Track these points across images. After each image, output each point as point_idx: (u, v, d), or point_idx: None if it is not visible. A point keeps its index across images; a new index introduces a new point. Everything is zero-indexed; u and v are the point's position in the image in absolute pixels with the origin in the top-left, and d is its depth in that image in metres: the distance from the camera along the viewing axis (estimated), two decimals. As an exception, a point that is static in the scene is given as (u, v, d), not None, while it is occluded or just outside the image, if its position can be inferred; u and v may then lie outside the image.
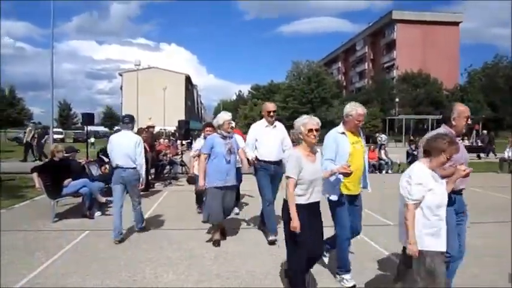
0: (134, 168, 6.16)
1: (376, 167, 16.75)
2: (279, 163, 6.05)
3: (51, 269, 4.81)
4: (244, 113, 52.35)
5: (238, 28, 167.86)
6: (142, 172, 6.33)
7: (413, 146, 17.25)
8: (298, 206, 3.65)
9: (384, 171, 16.67)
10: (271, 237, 5.89)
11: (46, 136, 20.77)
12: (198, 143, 7.68)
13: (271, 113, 6.14)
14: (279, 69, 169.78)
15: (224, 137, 5.86)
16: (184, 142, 18.13)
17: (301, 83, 59.00)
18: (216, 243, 5.78)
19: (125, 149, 6.18)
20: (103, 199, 7.81)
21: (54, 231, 6.62)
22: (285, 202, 3.75)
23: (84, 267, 4.84)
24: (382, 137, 22.00)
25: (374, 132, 41.03)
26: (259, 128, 6.27)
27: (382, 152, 17.58)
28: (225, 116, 5.91)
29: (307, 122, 3.83)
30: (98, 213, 7.69)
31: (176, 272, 4.76)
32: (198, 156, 6.61)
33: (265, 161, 6.04)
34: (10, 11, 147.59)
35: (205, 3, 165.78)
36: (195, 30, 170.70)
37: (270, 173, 6.05)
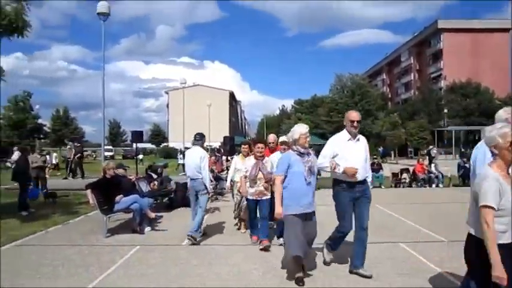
0: (201, 178, 7.08)
1: (426, 181, 16.21)
2: (363, 182, 5.19)
3: (105, 282, 4.96)
4: (288, 128, 52.23)
5: (280, 44, 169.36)
6: (207, 183, 7.17)
7: (465, 159, 16.59)
8: (501, 247, 2.79)
9: (433, 185, 16.09)
10: (363, 271, 5.07)
11: (79, 154, 21.73)
12: (238, 162, 7.76)
13: (355, 123, 5.13)
14: (322, 83, 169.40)
15: (301, 154, 4.95)
16: (229, 158, 18.28)
17: (345, 96, 58.39)
18: (300, 282, 4.80)
19: (193, 162, 7.18)
20: (152, 215, 8.00)
21: (106, 246, 6.84)
22: (476, 240, 2.92)
23: (136, 282, 4.96)
24: (434, 151, 21.36)
25: (423, 145, 39.80)
26: (339, 141, 5.23)
27: (433, 165, 17.02)
28: (300, 129, 5.02)
29: (507, 132, 2.93)
30: (147, 229, 7.88)
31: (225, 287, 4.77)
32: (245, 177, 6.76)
33: (347, 182, 5.08)
34: (65, 36, 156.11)
35: (247, 21, 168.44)
36: (237, 48, 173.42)
37: (355, 196, 5.09)
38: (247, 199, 6.81)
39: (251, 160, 6.68)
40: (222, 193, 13.52)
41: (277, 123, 77.33)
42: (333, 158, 5.08)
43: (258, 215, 6.81)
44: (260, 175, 6.49)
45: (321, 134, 62.84)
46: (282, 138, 7.16)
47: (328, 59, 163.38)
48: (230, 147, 15.24)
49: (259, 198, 6.58)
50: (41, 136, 38.73)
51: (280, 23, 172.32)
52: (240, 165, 7.35)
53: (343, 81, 60.75)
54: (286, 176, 4.92)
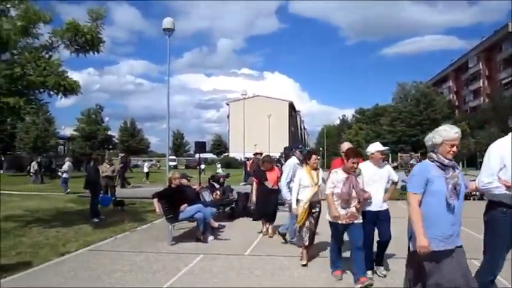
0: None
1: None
2: None
3: (171, 290, 5.11)
4: (349, 137, 51.34)
5: (339, 53, 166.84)
6: (283, 192, 7.45)
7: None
8: None
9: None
10: None
11: (122, 164, 22.60)
12: (305, 177, 6.20)
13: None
14: (383, 92, 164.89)
15: (445, 167, 3.59)
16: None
17: (409, 104, 56.61)
18: None
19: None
20: (216, 224, 8.14)
21: (172, 253, 7.04)
22: None
23: (201, 290, 5.06)
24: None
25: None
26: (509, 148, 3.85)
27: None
28: (448, 132, 3.60)
29: None
30: (211, 238, 8.02)
31: (288, 300, 4.74)
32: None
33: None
34: (132, 52, 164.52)
35: (306, 31, 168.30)
36: (296, 58, 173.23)
37: None
38: (332, 224, 5.42)
39: (339, 174, 5.36)
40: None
41: (338, 133, 76.24)
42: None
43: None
44: (353, 193, 5.22)
45: (384, 144, 61.05)
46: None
47: (389, 67, 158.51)
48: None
49: (349, 222, 5.25)
50: (110, 147, 40.82)
51: (339, 32, 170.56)
52: (308, 181, 6.13)
53: (407, 90, 58.96)
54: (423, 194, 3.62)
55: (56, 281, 5.44)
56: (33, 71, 8.19)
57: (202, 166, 25.49)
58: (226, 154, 65.86)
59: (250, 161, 18.75)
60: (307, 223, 6.14)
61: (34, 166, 25.74)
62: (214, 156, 67.94)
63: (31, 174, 25.64)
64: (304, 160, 6.55)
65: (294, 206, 6.18)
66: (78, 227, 9.47)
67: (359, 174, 5.32)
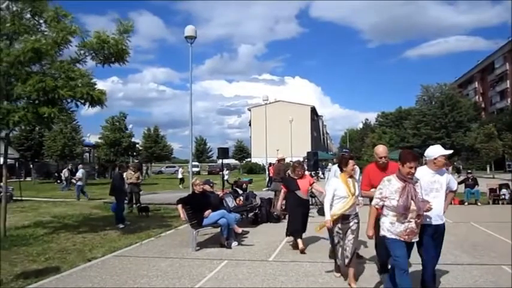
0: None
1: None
2: None
3: (196, 296, 5.13)
4: (372, 141, 50.66)
5: (361, 56, 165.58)
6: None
7: None
8: None
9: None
10: None
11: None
12: (340, 186, 5.39)
13: None
14: (406, 94, 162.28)
15: None
16: (313, 173, 18.18)
17: (433, 107, 55.68)
18: None
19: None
20: (239, 230, 8.16)
21: (196, 259, 7.08)
22: None
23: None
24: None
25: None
26: None
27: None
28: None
29: None
30: (234, 244, 8.03)
31: (313, 306, 4.70)
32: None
33: None
34: (154, 59, 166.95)
35: (327, 35, 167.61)
36: (318, 62, 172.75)
37: None
38: (387, 239, 4.45)
39: (393, 183, 4.44)
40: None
41: (361, 137, 75.40)
42: None
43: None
44: (412, 205, 4.34)
45: (408, 148, 60.27)
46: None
47: (412, 69, 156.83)
48: (314, 162, 15.12)
49: (409, 241, 4.43)
50: (134, 153, 41.35)
51: (360, 35, 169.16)
52: (344, 191, 5.29)
53: (431, 92, 58.02)
54: None
55: (84, 286, 5.54)
56: (63, 83, 8.39)
57: (226, 172, 25.60)
58: (249, 160, 65.94)
59: (273, 166, 18.75)
60: (340, 239, 5.41)
61: (65, 173, 26.25)
62: (237, 162, 68.13)
63: (58, 181, 26.17)
64: (339, 166, 5.70)
65: (327, 217, 5.27)
66: (104, 233, 9.63)
67: (416, 181, 4.48)
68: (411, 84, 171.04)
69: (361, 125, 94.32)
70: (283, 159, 13.16)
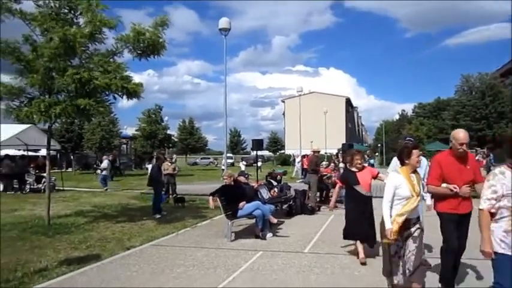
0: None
1: None
2: None
3: (232, 285, 5.18)
4: (409, 133, 49.59)
5: (398, 46, 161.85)
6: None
7: None
8: None
9: None
10: None
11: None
12: (404, 183, 4.26)
13: None
14: (445, 84, 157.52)
15: None
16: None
17: (473, 97, 53.71)
18: None
19: None
20: (275, 220, 8.19)
21: (231, 249, 7.14)
22: None
23: (261, 287, 5.08)
24: None
25: None
26: None
27: None
28: None
29: None
30: (269, 235, 8.05)
31: (349, 299, 4.65)
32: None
33: None
34: (189, 52, 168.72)
35: (363, 25, 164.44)
36: (353, 53, 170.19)
37: None
38: (498, 255, 3.37)
39: (509, 176, 3.40)
40: (342, 201, 13.30)
41: (397, 129, 73.82)
42: None
43: None
44: None
45: (446, 139, 58.30)
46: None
47: (451, 59, 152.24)
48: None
49: None
50: (170, 145, 42.05)
51: (398, 24, 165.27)
52: (407, 190, 4.21)
53: (471, 82, 56.01)
54: None
55: (123, 274, 5.69)
56: (100, 75, 8.62)
57: (259, 163, 25.59)
58: (282, 151, 65.83)
59: (307, 158, 18.63)
60: (399, 250, 4.30)
61: (105, 164, 26.98)
62: (271, 153, 68.16)
63: (97, 172, 26.87)
64: (400, 158, 4.51)
65: (388, 226, 4.20)
66: (141, 223, 9.86)
67: None
68: (450, 74, 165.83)
69: (397, 116, 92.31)
70: (318, 151, 13.05)
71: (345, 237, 6.66)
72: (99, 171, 22.68)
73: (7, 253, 6.78)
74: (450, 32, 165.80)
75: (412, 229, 4.29)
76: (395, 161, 5.96)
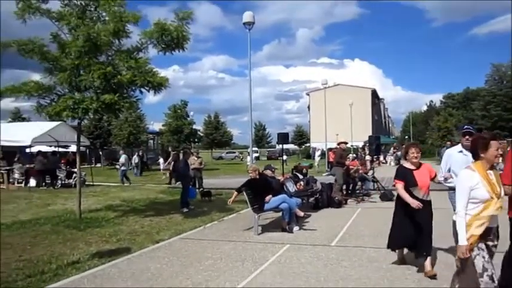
0: None
1: None
2: None
3: (260, 278, 5.20)
4: (438, 124, 48.42)
5: (425, 36, 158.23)
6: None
7: None
8: None
9: None
10: None
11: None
12: (481, 182, 3.37)
13: None
14: (475, 74, 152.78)
15: None
16: (375, 158, 17.73)
17: (505, 86, 52.03)
18: None
19: None
20: (301, 213, 8.17)
21: (258, 243, 7.17)
22: None
23: (289, 280, 5.09)
24: None
25: None
26: None
27: None
28: None
29: None
30: (296, 228, 8.04)
31: (378, 292, 4.61)
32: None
33: None
34: (213, 47, 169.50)
35: (389, 16, 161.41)
36: (378, 44, 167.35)
37: None
38: None
39: None
40: (369, 194, 13.19)
41: (425, 120, 72.30)
42: None
43: None
44: None
45: (477, 130, 56.73)
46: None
47: (481, 48, 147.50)
48: (376, 146, 14.71)
49: None
50: (196, 140, 42.43)
51: (424, 14, 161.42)
52: (484, 190, 3.36)
53: (502, 71, 54.26)
54: None
55: (153, 266, 5.79)
56: (124, 70, 8.78)
57: (284, 157, 25.52)
58: (308, 145, 65.50)
59: (333, 151, 18.50)
60: (486, 262, 3.35)
61: (135, 159, 27.48)
62: (296, 147, 67.92)
63: (116, 167, 27.28)
64: (472, 152, 3.65)
65: (462, 242, 3.32)
66: (169, 217, 10.00)
67: None
68: (480, 64, 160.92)
69: (425, 108, 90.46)
70: (345, 143, 12.94)
71: (391, 247, 5.56)
72: (117, 166, 23.00)
73: (42, 246, 7.02)
74: (478, 21, 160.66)
75: (490, 243, 3.48)
76: (447, 154, 5.68)
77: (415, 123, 79.56)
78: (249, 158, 32.00)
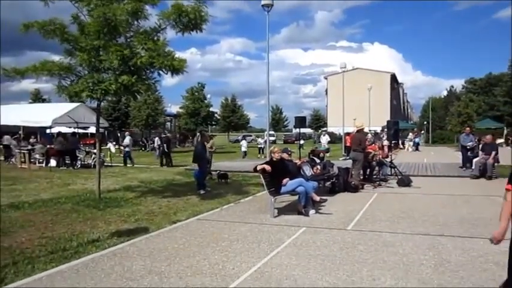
0: None
1: None
2: None
3: (276, 259, 5.25)
4: (458, 110, 47.52)
5: (447, 19, 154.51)
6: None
7: None
8: None
9: None
10: None
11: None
12: None
13: None
14: (497, 59, 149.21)
15: None
16: (393, 143, 17.55)
17: (529, 72, 50.76)
18: None
19: None
20: (317, 198, 8.17)
21: (275, 225, 7.22)
22: None
23: (305, 262, 5.12)
24: None
25: None
26: None
27: None
28: None
29: None
30: (312, 211, 8.06)
31: (394, 276, 4.60)
32: None
33: None
34: (231, 30, 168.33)
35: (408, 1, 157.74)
36: (399, 27, 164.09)
37: None
38: None
39: None
40: (386, 179, 13.11)
41: (444, 106, 71.11)
42: None
43: None
44: None
45: (498, 117, 55.71)
46: None
47: (505, 32, 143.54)
48: (394, 131, 14.55)
49: None
50: (213, 123, 42.63)
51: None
52: None
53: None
54: None
55: (170, 245, 5.89)
56: (143, 52, 8.81)
57: (301, 141, 25.45)
58: (325, 129, 65.25)
59: (350, 136, 18.37)
60: None
61: (157, 141, 27.71)
62: (313, 131, 67.67)
63: (146, 149, 27.44)
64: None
65: None
66: (186, 198, 10.12)
67: None
68: (503, 48, 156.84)
69: (445, 93, 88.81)
70: (362, 129, 12.81)
71: None
72: (122, 147, 23.15)
73: (63, 224, 7.20)
74: (502, 4, 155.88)
75: None
76: None
77: (435, 109, 78.31)
78: (259, 140, 31.91)
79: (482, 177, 13.78)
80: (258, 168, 8.36)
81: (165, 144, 20.22)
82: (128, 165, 20.13)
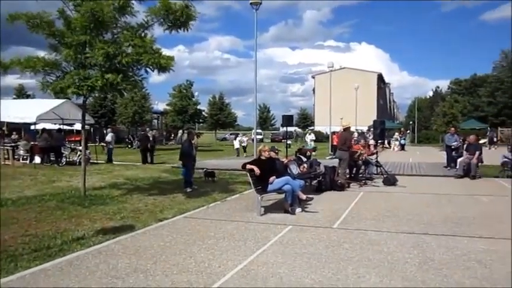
0: None
1: None
2: None
3: (262, 257, 5.26)
4: (443, 110, 48.04)
5: (433, 21, 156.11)
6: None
7: None
8: None
9: None
10: None
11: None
12: None
13: None
14: (482, 61, 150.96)
15: None
16: (379, 143, 17.68)
17: (513, 73, 51.57)
18: None
19: None
20: (304, 196, 8.20)
21: (261, 223, 7.23)
22: None
23: (290, 260, 5.14)
24: None
25: None
26: None
27: None
28: None
29: None
30: (298, 210, 8.10)
31: (378, 274, 4.64)
32: None
33: None
34: (219, 28, 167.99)
35: (397, 1, 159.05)
36: (386, 28, 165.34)
37: None
38: None
39: None
40: (372, 178, 13.22)
41: (430, 106, 71.89)
42: None
43: None
44: None
45: (482, 117, 56.51)
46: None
47: (489, 34, 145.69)
48: (380, 131, 14.67)
49: None
50: (200, 120, 42.46)
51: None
52: None
53: (510, 58, 53.66)
54: None
55: (156, 244, 5.86)
56: (130, 49, 8.72)
57: (289, 141, 25.50)
58: (312, 128, 65.50)
59: (337, 135, 18.47)
60: None
61: (109, 137, 27.50)
62: (300, 130, 67.86)
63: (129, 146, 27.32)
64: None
65: None
66: (173, 196, 10.07)
67: None
68: (488, 50, 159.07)
69: (431, 93, 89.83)
70: (349, 128, 12.89)
71: None
72: (103, 144, 23.08)
73: (48, 221, 7.12)
74: (488, 6, 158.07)
75: None
76: None
77: (421, 109, 79.10)
78: (244, 139, 31.69)
79: (466, 176, 13.96)
80: (248, 167, 8.36)
81: (139, 142, 20.27)
82: (115, 162, 19.97)
